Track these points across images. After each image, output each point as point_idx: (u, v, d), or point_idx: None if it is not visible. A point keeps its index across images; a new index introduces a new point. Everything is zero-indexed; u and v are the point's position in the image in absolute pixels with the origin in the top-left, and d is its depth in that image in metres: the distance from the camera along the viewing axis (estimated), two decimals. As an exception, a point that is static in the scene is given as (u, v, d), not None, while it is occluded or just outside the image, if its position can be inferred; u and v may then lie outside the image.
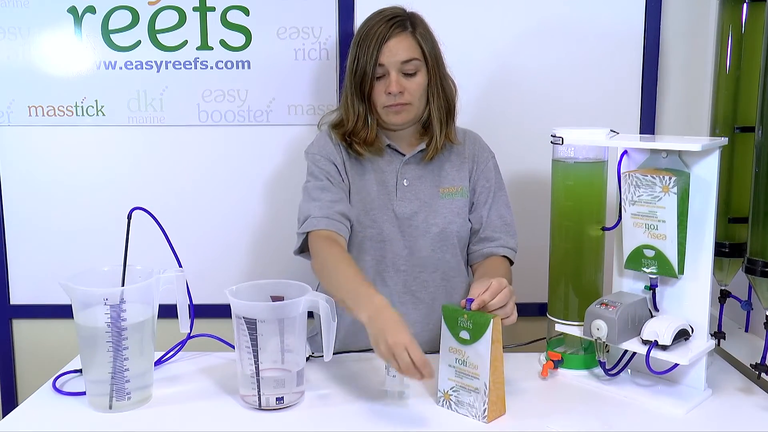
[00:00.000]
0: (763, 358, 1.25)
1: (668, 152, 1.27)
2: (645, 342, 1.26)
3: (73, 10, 1.87)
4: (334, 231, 1.44)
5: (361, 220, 1.53)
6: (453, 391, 1.23)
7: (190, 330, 1.35)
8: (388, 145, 1.55)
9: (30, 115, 1.92)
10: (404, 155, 1.54)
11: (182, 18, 1.88)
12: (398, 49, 1.46)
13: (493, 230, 1.57)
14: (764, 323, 1.26)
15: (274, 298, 1.26)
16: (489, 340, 1.18)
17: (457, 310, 1.22)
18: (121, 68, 1.90)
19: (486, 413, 1.18)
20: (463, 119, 1.64)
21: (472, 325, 1.20)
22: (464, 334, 1.21)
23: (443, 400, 1.24)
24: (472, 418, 1.20)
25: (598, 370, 1.36)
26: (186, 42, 1.89)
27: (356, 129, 1.51)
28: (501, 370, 1.20)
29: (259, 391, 1.22)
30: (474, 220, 1.58)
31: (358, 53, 1.48)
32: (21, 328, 2.04)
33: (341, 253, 1.40)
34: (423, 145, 1.54)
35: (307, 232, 1.46)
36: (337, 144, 1.55)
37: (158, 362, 1.41)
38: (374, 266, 1.53)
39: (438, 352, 1.26)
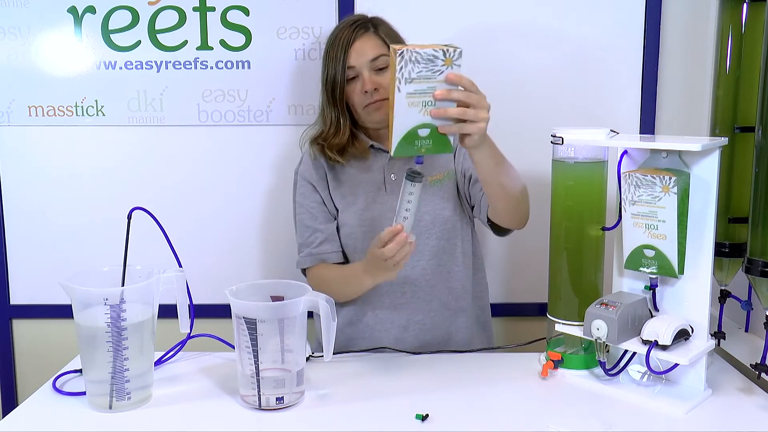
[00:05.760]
0: (763, 358, 1.25)
1: (668, 152, 1.27)
2: (645, 342, 1.25)
3: (73, 10, 1.87)
4: (322, 263, 1.56)
5: (353, 221, 1.54)
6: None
7: (190, 330, 1.34)
8: (371, 146, 1.57)
9: (30, 115, 1.92)
10: (387, 152, 1.55)
11: (182, 18, 1.88)
12: (364, 49, 1.51)
13: None
14: (764, 323, 1.26)
15: (274, 298, 1.26)
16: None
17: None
18: (121, 68, 1.90)
19: None
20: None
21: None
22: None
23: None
24: None
25: (598, 370, 1.36)
26: (186, 42, 1.89)
27: (328, 136, 1.55)
28: None
29: (259, 391, 1.22)
30: (469, 172, 1.56)
31: (327, 62, 1.53)
32: (21, 328, 2.04)
33: (333, 270, 1.55)
34: None
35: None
36: (318, 160, 1.59)
37: (158, 362, 1.41)
38: None
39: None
